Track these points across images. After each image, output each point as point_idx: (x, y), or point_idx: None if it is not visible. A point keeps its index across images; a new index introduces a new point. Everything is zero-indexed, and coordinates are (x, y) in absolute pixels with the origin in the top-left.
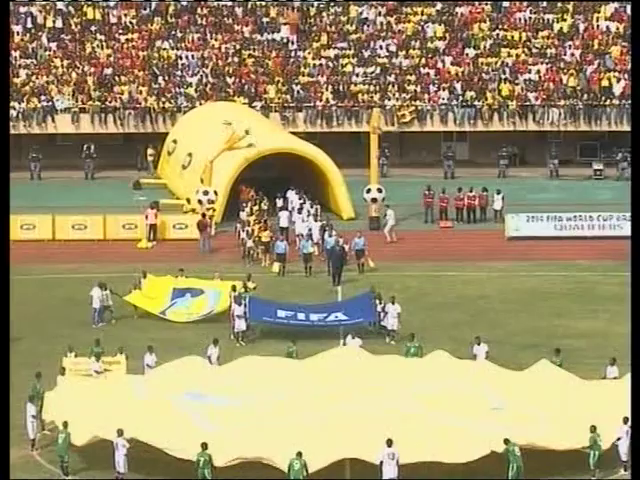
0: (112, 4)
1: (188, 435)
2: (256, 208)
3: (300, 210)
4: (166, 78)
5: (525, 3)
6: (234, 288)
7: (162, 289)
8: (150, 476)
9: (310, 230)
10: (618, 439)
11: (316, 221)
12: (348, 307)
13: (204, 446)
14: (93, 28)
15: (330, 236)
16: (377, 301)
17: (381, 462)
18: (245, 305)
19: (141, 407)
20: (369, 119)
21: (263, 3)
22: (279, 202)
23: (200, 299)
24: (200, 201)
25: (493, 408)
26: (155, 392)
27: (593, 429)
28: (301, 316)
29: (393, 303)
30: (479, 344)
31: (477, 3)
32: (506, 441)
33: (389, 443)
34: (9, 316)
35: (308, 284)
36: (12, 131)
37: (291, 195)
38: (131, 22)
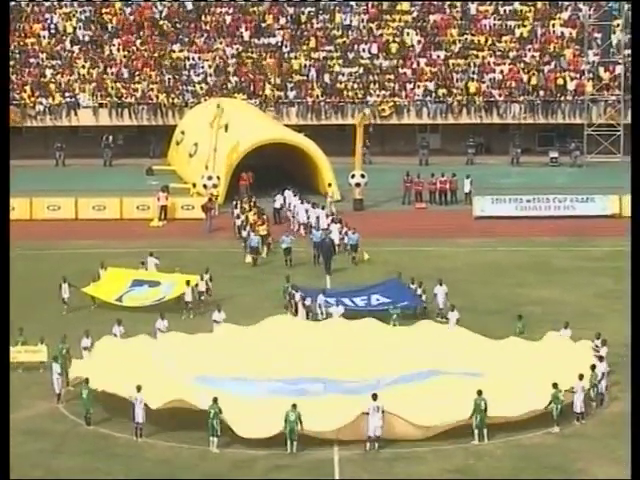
0: (127, 11)
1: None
2: (252, 204)
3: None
4: (175, 77)
5: (490, 10)
6: (188, 283)
7: (121, 280)
8: (166, 427)
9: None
10: (572, 388)
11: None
12: (384, 290)
13: (215, 400)
14: (110, 33)
15: (317, 229)
16: (417, 285)
17: (368, 413)
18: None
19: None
20: (360, 114)
21: (261, 10)
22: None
23: (156, 289)
24: (205, 185)
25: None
26: (180, 368)
27: (555, 385)
28: (347, 300)
29: (441, 284)
30: (453, 310)
31: (448, 11)
32: (479, 392)
33: (374, 397)
34: (9, 315)
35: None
36: (39, 124)
37: (288, 196)
38: (144, 27)
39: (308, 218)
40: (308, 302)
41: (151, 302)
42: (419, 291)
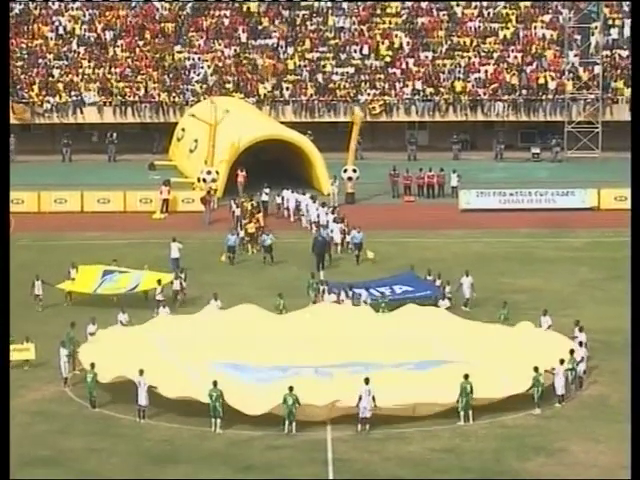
0: (131, 14)
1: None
2: (249, 203)
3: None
4: (176, 76)
5: (475, 13)
6: (159, 282)
7: (93, 274)
8: (167, 409)
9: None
10: (553, 369)
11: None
12: (402, 281)
13: (215, 383)
14: (114, 35)
15: (324, 228)
16: (435, 277)
17: (360, 396)
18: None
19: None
20: (353, 112)
21: (257, 11)
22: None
23: (126, 276)
24: (204, 180)
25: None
26: (182, 356)
27: (535, 369)
28: (373, 291)
29: (467, 275)
30: (443, 299)
31: (435, 14)
32: (466, 376)
33: (366, 381)
34: (9, 317)
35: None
36: (47, 121)
37: (286, 194)
38: (147, 29)
39: (318, 216)
40: (333, 296)
41: (125, 291)
42: (437, 282)
